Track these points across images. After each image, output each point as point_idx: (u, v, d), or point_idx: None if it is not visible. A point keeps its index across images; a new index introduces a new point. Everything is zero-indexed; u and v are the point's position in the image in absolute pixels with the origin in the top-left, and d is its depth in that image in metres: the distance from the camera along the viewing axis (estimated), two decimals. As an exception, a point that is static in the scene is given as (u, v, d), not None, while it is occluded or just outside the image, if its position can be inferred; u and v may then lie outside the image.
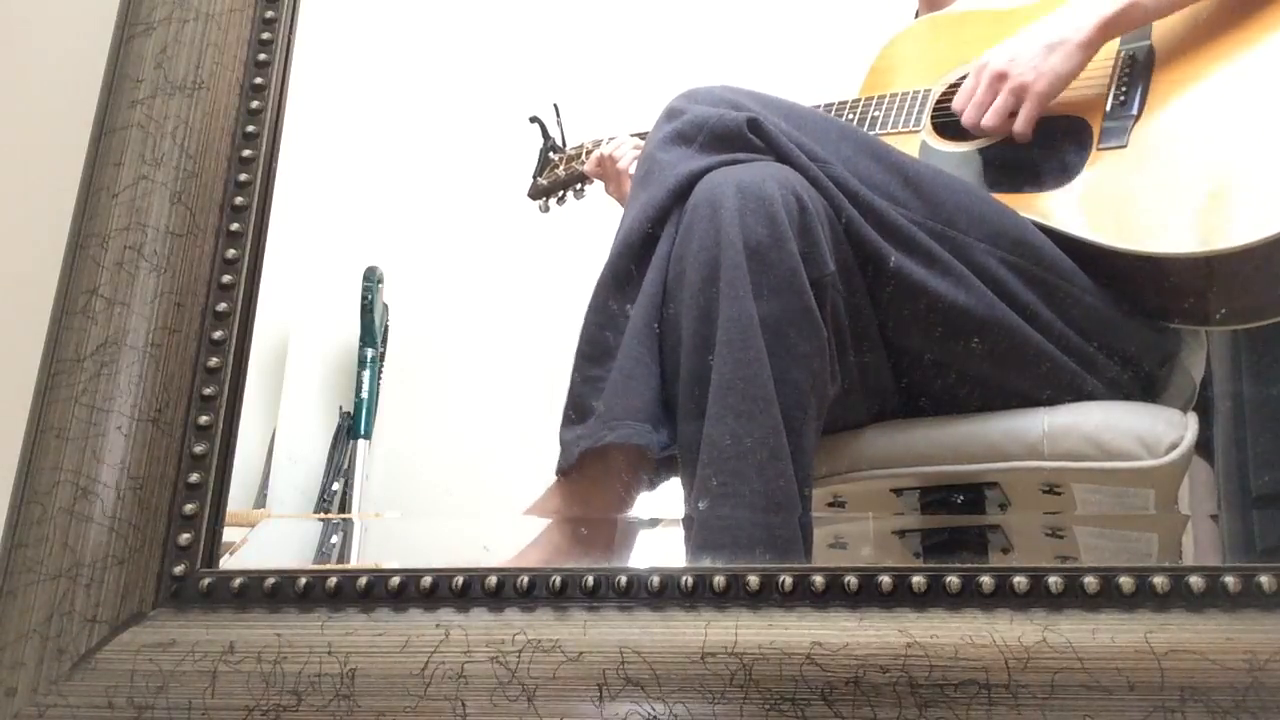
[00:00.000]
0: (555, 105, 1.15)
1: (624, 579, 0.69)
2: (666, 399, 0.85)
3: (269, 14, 0.89)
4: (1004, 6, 1.01)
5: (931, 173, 0.92)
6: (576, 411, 0.86)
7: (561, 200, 1.15)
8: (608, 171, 1.10)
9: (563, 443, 0.86)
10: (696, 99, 0.94)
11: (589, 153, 1.13)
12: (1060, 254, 0.88)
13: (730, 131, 0.90)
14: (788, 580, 0.68)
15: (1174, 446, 0.82)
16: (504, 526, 0.87)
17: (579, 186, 1.14)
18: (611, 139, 1.11)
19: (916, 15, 1.11)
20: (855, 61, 1.07)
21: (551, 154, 1.15)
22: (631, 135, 1.10)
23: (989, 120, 0.93)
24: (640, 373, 0.85)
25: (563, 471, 0.86)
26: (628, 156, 1.08)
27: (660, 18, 1.18)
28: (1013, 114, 0.93)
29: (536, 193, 1.15)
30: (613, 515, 0.85)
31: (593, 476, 0.85)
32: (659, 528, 0.84)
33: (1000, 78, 0.93)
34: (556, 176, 1.15)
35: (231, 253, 0.81)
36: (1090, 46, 0.92)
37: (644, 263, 0.88)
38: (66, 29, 1.00)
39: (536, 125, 1.15)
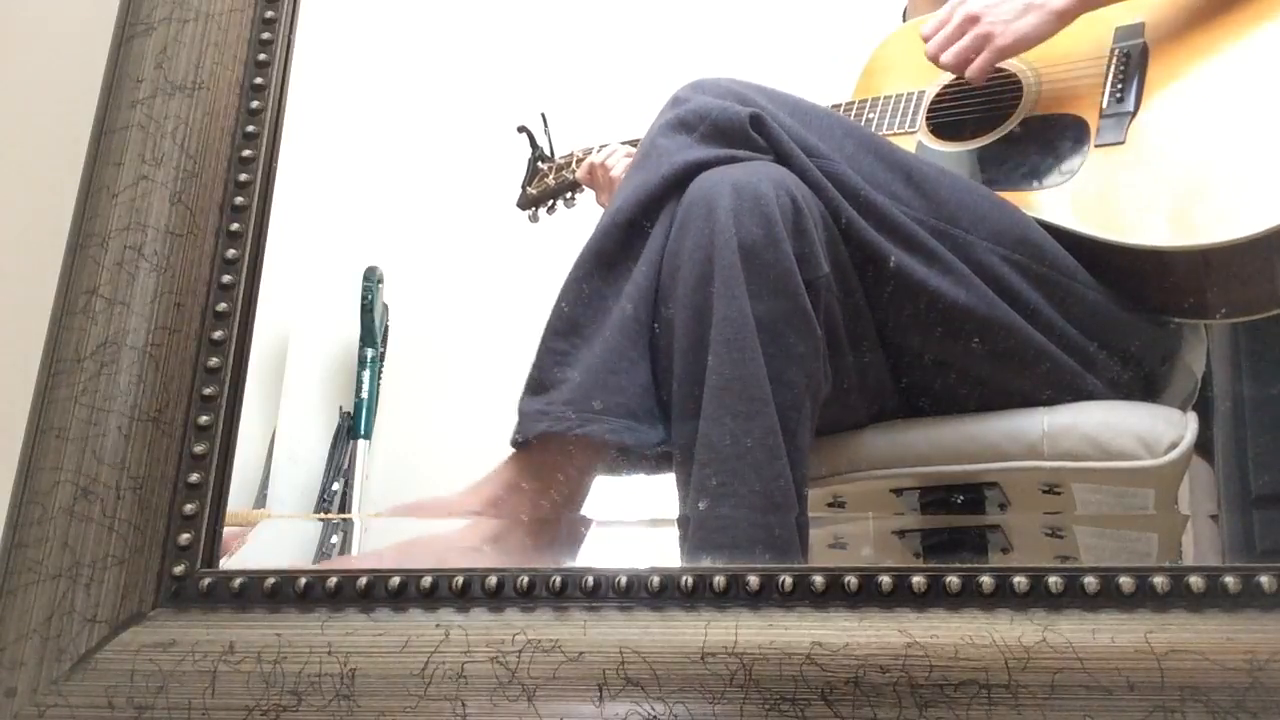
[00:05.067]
0: (543, 115, 1.15)
1: (624, 579, 0.69)
2: (656, 397, 0.85)
3: (269, 14, 0.88)
4: None
5: (935, 171, 0.92)
6: (538, 383, 0.86)
7: (551, 209, 1.15)
8: (599, 180, 1.09)
9: (521, 413, 0.86)
10: (702, 89, 0.94)
11: (579, 161, 1.13)
12: (1063, 251, 0.88)
13: (732, 125, 0.90)
14: (788, 580, 0.68)
15: (1174, 446, 0.82)
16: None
17: (569, 195, 1.14)
18: (604, 147, 1.11)
19: (904, 18, 1.11)
20: (847, 65, 1.07)
21: (540, 163, 1.15)
22: (623, 143, 1.10)
23: (948, 58, 0.95)
24: (625, 367, 0.85)
25: (519, 444, 0.85)
26: (620, 165, 1.08)
27: (654, 26, 1.18)
28: (971, 57, 0.94)
29: (526, 202, 1.15)
30: (566, 501, 0.85)
31: (551, 455, 0.85)
32: (658, 528, 0.84)
33: (971, 20, 0.95)
34: (546, 186, 1.15)
35: (231, 253, 0.81)
36: (1065, 16, 0.93)
37: (629, 246, 0.88)
38: (66, 29, 1.00)
39: (524, 135, 1.15)
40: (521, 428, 0.85)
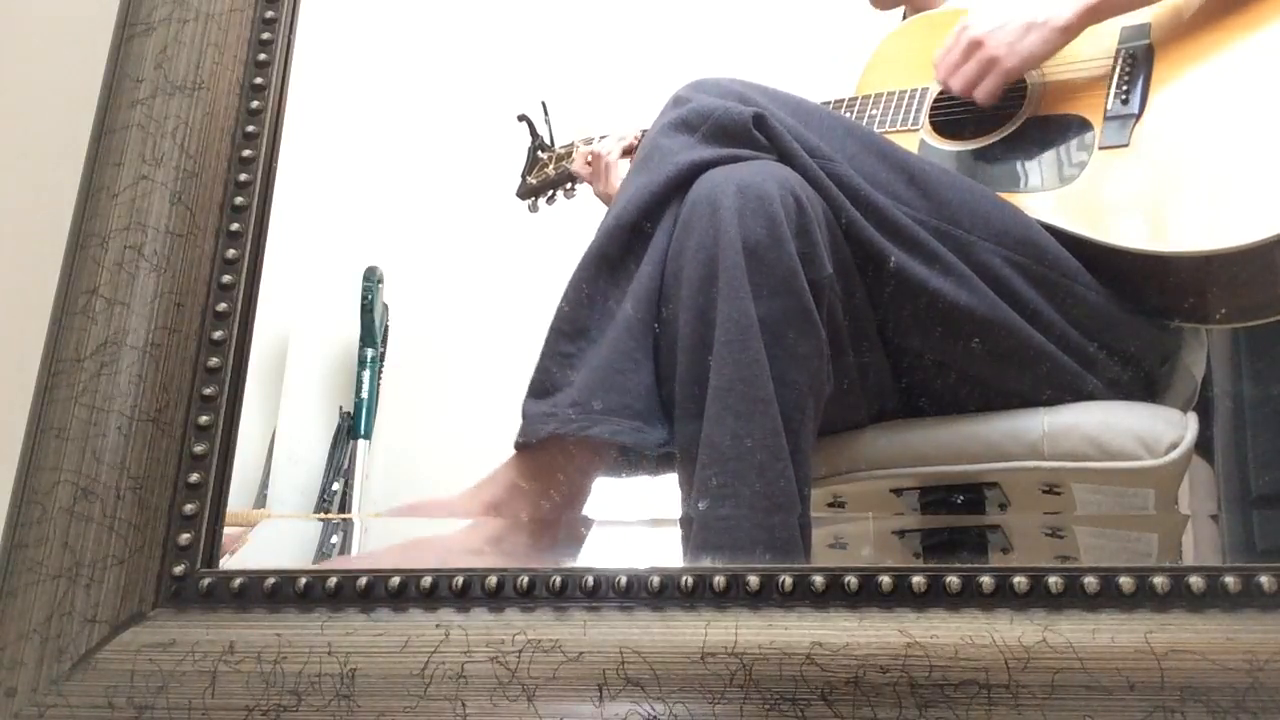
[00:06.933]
0: (543, 103, 1.15)
1: (624, 579, 0.69)
2: (659, 397, 0.85)
3: (269, 14, 0.88)
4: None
5: (936, 171, 0.92)
6: (543, 386, 0.86)
7: (551, 199, 1.15)
8: (596, 170, 1.09)
9: (526, 415, 0.86)
10: (703, 89, 0.94)
11: (578, 151, 1.12)
12: (1064, 252, 0.88)
13: (735, 125, 0.89)
14: (788, 580, 0.68)
15: (1174, 446, 0.82)
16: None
17: (569, 185, 1.14)
18: (602, 137, 1.11)
19: (904, 16, 1.11)
20: (849, 60, 1.07)
21: (540, 153, 1.15)
22: (620, 137, 1.10)
23: (955, 83, 0.96)
24: (630, 368, 0.85)
25: (522, 446, 0.85)
26: (618, 154, 1.08)
27: (654, 16, 1.18)
28: (979, 80, 0.95)
29: (525, 192, 1.15)
30: (567, 503, 0.85)
31: (553, 456, 0.85)
32: (658, 528, 0.84)
33: (975, 45, 0.95)
34: (545, 175, 1.14)
35: (231, 253, 0.81)
36: (1070, 31, 0.93)
37: (632, 248, 0.88)
38: (66, 29, 1.00)
39: (524, 124, 1.15)
40: (526, 430, 0.85)
